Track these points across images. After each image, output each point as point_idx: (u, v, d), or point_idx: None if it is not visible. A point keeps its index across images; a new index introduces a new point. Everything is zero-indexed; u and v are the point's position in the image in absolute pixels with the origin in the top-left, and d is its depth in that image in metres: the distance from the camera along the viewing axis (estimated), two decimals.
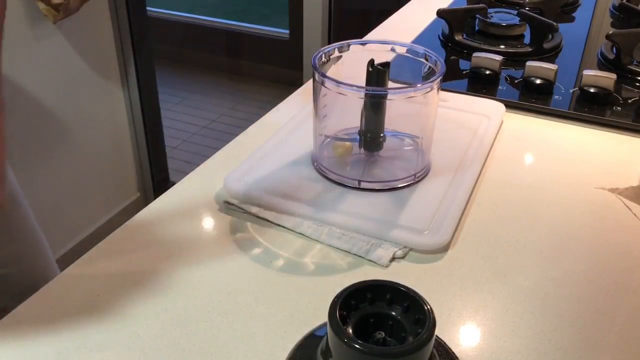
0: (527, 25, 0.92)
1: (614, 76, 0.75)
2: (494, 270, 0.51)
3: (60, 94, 1.66)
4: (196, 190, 0.60)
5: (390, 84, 0.59)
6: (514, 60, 0.86)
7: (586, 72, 0.77)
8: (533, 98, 0.77)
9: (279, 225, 0.55)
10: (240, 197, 0.57)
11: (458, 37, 0.91)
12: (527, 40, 0.92)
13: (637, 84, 0.79)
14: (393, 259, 0.51)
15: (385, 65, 0.58)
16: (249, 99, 2.99)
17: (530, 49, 0.88)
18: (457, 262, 0.51)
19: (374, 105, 0.59)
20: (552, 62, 0.87)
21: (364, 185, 0.59)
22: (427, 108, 0.59)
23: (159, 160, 2.14)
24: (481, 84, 0.80)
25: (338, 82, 0.56)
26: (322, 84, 0.57)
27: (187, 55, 3.26)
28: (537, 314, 0.46)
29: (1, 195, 0.50)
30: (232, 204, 0.57)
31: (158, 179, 2.13)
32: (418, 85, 0.56)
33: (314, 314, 0.45)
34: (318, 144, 0.62)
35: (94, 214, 1.91)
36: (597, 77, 0.76)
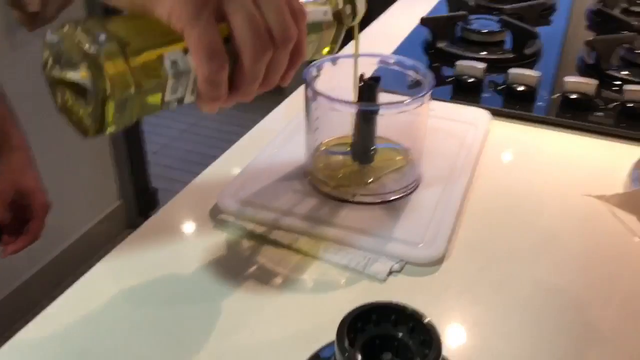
0: (507, 31, 0.94)
1: (595, 82, 0.77)
2: (489, 280, 0.52)
3: (37, 102, 1.64)
4: (189, 207, 0.61)
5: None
6: (497, 66, 0.87)
7: (567, 78, 0.78)
8: (517, 105, 0.79)
9: (275, 241, 0.55)
10: (235, 214, 0.58)
11: (441, 45, 0.92)
12: (508, 45, 0.93)
13: (617, 89, 0.81)
14: (390, 272, 0.52)
15: (376, 79, 0.58)
16: None
17: (512, 55, 0.90)
18: (452, 274, 0.52)
19: (366, 120, 0.59)
20: (533, 67, 0.88)
21: (357, 198, 0.59)
22: (418, 120, 0.60)
23: (140, 166, 2.12)
24: (465, 92, 0.81)
25: (331, 99, 0.57)
26: (314, 99, 0.58)
27: None
28: (534, 324, 0.47)
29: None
30: (227, 221, 0.57)
31: (139, 186, 2.11)
32: (409, 100, 0.57)
33: (317, 332, 0.46)
34: (310, 157, 0.63)
35: (75, 223, 1.90)
36: (579, 83, 0.78)
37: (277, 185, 0.61)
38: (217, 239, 0.56)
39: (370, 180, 0.62)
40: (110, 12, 0.43)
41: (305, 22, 0.43)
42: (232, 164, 0.67)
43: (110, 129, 0.38)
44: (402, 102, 0.57)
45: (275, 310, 0.48)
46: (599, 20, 1.07)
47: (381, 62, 0.64)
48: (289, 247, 0.54)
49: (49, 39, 0.38)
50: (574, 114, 0.77)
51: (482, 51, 0.91)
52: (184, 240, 0.56)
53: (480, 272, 0.53)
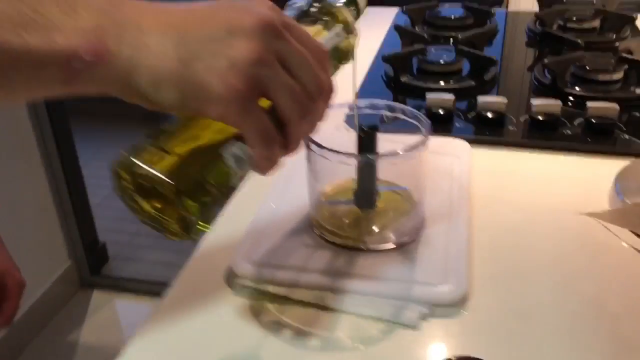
0: (463, 59, 0.98)
1: (558, 102, 0.82)
2: (516, 312, 0.53)
3: None
4: (202, 276, 0.60)
5: None
6: (461, 95, 0.90)
7: (533, 100, 0.82)
8: (487, 131, 0.82)
9: (300, 300, 0.55)
10: (253, 277, 0.57)
11: (404, 79, 0.95)
12: (465, 72, 0.97)
13: (577, 106, 0.86)
14: (421, 317, 0.53)
15: (375, 128, 0.60)
16: None
17: (473, 83, 0.93)
18: (480, 310, 0.54)
19: (369, 168, 0.60)
20: (494, 92, 0.92)
21: (370, 246, 0.60)
22: (419, 162, 0.61)
23: (87, 221, 2.05)
24: (439, 123, 0.84)
25: (337, 152, 0.57)
26: (318, 153, 0.58)
27: (101, 107, 3.14)
28: (567, 349, 0.49)
29: None
30: (246, 286, 0.57)
31: (88, 242, 2.04)
32: (411, 146, 0.58)
33: None
34: (314, 208, 0.63)
35: (27, 289, 1.80)
36: (545, 105, 0.82)
37: (287, 242, 0.61)
38: (240, 306, 0.55)
39: (378, 227, 0.62)
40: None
41: (329, 60, 0.45)
42: (234, 218, 0.66)
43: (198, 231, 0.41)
44: (406, 149, 0.58)
45: None
46: (538, 40, 1.14)
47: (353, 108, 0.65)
48: (315, 305, 0.54)
49: (115, 168, 0.40)
50: (543, 134, 0.81)
51: (441, 81, 0.94)
52: (207, 312, 0.55)
53: (505, 304, 0.54)
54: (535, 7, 1.30)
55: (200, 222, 0.41)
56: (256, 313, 0.54)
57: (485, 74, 0.94)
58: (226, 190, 0.43)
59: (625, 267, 0.59)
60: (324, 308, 0.54)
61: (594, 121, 0.80)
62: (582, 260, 0.60)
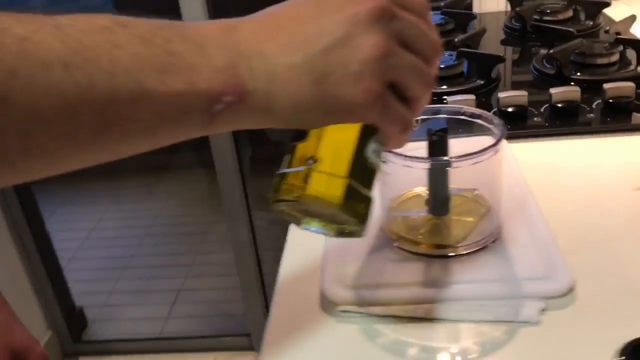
0: (463, 60, 0.98)
1: (577, 89, 0.84)
2: (626, 292, 0.53)
3: None
4: (295, 313, 0.56)
5: None
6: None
7: (553, 90, 0.84)
8: (511, 124, 0.83)
9: (411, 317, 0.53)
10: (354, 302, 0.54)
11: None
12: (467, 73, 0.98)
13: (590, 91, 0.88)
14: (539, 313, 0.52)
15: (444, 131, 0.59)
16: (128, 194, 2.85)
17: (482, 82, 0.94)
18: (591, 296, 0.53)
19: (442, 174, 0.59)
20: (502, 88, 0.94)
21: (457, 251, 0.59)
22: (493, 166, 0.60)
23: (62, 287, 1.94)
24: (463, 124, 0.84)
25: (406, 157, 0.56)
26: (397, 162, 0.57)
27: None
28: None
29: None
30: (350, 311, 0.54)
31: (65, 310, 1.92)
32: (484, 152, 0.57)
33: None
34: (387, 220, 0.61)
35: None
36: (564, 92, 0.83)
37: (371, 259, 0.59)
38: (351, 333, 0.52)
39: (459, 231, 0.61)
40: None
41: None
42: (300, 247, 0.63)
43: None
44: (478, 152, 0.57)
45: None
46: (518, 35, 1.17)
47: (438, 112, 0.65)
48: (428, 319, 0.52)
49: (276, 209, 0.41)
50: (565, 122, 0.82)
51: (445, 84, 0.95)
52: (318, 347, 0.52)
53: (608, 284, 0.54)
54: (500, 7, 1.34)
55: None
56: (371, 337, 0.52)
57: (491, 72, 0.95)
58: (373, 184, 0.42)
59: None
60: (435, 320, 0.52)
61: (612, 102, 0.83)
62: None
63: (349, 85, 0.37)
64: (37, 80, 0.30)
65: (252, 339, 1.91)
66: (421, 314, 0.53)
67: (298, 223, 0.43)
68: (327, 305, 0.55)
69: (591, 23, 1.13)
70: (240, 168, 1.66)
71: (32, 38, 0.30)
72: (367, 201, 0.39)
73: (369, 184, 0.40)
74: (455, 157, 0.58)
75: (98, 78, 0.31)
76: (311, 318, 0.55)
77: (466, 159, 0.58)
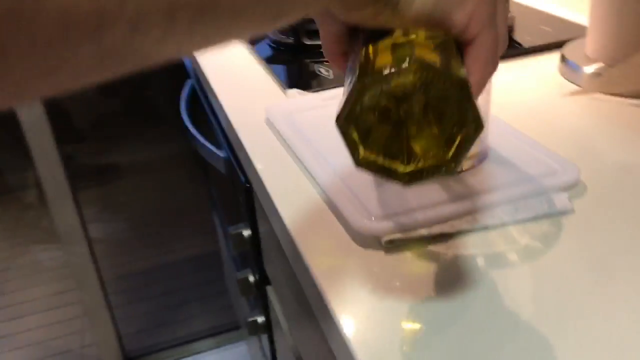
0: None
1: None
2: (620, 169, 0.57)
3: None
4: (337, 263, 0.50)
5: None
6: None
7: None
8: None
9: (458, 232, 0.51)
10: (398, 230, 0.50)
11: None
12: None
13: None
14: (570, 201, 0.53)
15: None
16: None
17: None
18: (599, 186, 0.56)
19: None
20: None
21: (465, 167, 0.58)
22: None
23: None
24: None
25: None
26: None
27: None
28: None
29: None
30: (395, 240, 0.50)
31: None
32: None
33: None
34: None
35: None
36: None
37: (384, 191, 0.55)
38: (410, 261, 0.48)
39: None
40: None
41: None
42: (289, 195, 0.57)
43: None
44: None
45: (550, 277, 0.45)
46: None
47: None
48: (474, 230, 0.51)
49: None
50: None
51: None
52: (389, 282, 0.47)
53: (609, 171, 0.58)
54: None
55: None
56: (432, 258, 0.48)
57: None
58: None
59: None
60: (481, 229, 0.51)
61: None
62: None
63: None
64: None
65: None
66: (467, 227, 0.51)
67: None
68: (367, 241, 0.51)
69: None
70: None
71: None
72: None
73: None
74: None
75: None
76: (358, 260, 0.49)
77: None
